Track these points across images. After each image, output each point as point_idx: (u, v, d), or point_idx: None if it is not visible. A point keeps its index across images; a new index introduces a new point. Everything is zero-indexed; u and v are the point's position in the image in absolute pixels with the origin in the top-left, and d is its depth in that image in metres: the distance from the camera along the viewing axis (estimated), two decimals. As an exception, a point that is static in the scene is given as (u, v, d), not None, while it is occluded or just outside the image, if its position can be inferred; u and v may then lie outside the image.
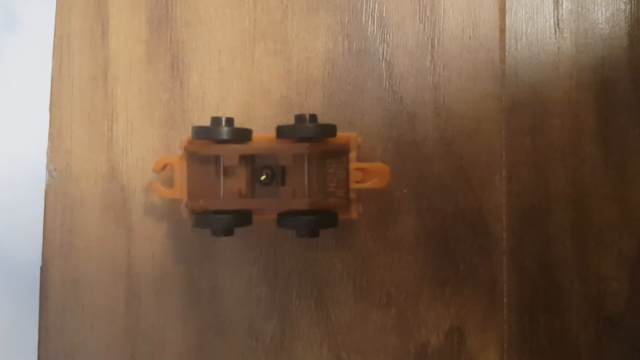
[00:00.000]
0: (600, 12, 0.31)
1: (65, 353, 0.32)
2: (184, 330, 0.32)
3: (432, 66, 0.31)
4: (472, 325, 0.30)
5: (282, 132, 0.28)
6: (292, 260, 0.31)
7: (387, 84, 0.31)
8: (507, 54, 0.31)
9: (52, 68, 0.33)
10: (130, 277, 0.32)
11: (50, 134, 0.33)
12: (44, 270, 0.33)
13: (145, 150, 0.32)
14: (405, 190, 0.31)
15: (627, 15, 0.30)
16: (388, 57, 0.31)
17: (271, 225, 0.29)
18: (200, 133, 0.28)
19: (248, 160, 0.29)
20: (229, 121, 0.28)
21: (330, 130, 0.28)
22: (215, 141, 0.28)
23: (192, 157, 0.29)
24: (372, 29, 0.32)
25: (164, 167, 0.30)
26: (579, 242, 0.30)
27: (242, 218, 0.28)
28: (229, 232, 0.28)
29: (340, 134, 0.29)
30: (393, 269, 0.31)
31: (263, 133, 0.30)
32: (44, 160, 0.33)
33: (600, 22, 0.31)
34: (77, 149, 0.33)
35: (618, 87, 0.30)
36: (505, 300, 0.30)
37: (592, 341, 0.30)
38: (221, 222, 0.28)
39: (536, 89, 0.31)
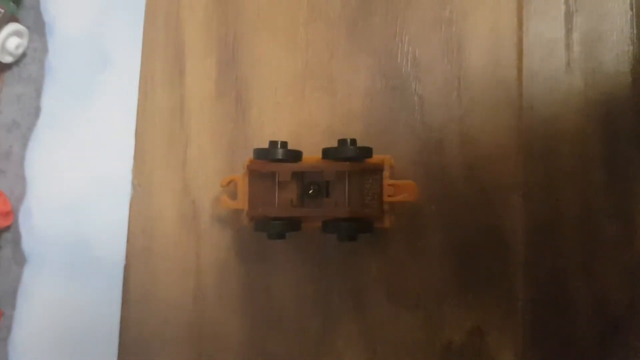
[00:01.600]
0: (606, 53, 0.35)
1: (142, 341, 0.38)
2: (241, 324, 0.37)
3: (458, 100, 0.36)
4: (491, 326, 0.35)
5: (327, 153, 0.34)
6: (335, 264, 0.36)
7: (418, 115, 0.36)
8: (524, 90, 0.36)
9: (138, 101, 0.40)
10: (198, 277, 0.38)
11: (135, 156, 0.40)
12: (126, 269, 0.39)
13: (213, 170, 0.38)
14: (433, 207, 0.36)
15: (630, 56, 0.35)
16: (420, 92, 0.37)
17: (317, 234, 0.35)
18: (261, 154, 0.34)
19: (299, 176, 0.35)
20: (284, 144, 0.34)
21: (367, 151, 0.33)
22: (272, 160, 0.34)
23: (253, 174, 0.35)
24: (406, 69, 0.37)
25: (229, 183, 0.35)
26: (586, 255, 0.34)
27: (293, 224, 0.34)
28: (281, 236, 0.34)
29: (376, 155, 0.34)
30: (422, 275, 0.36)
31: (311, 155, 0.35)
32: (129, 177, 0.39)
33: (607, 62, 0.35)
34: (157, 168, 0.39)
35: (622, 119, 0.34)
36: (520, 304, 0.34)
37: (596, 342, 0.33)
38: (275, 227, 0.33)
39: (550, 121, 0.35)
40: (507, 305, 0.34)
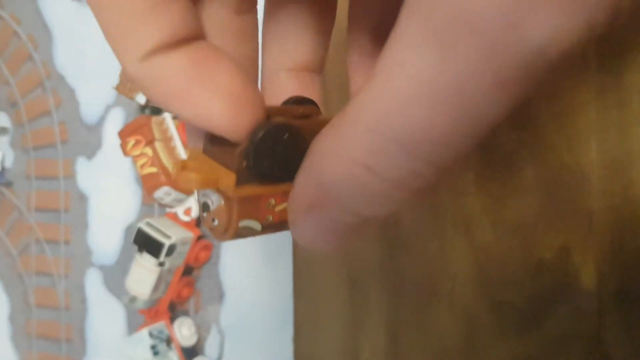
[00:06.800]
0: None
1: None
2: (379, 248, 0.49)
3: None
4: (576, 245, 0.43)
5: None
6: (447, 200, 0.47)
7: None
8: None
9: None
10: None
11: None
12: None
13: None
14: (524, 152, 0.45)
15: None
16: None
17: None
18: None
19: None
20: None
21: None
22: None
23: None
24: None
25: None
26: (657, 185, 0.41)
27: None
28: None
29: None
30: (518, 206, 0.45)
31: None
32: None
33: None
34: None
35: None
36: (600, 228, 0.42)
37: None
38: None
39: None
40: (589, 228, 0.43)
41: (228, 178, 0.20)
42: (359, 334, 0.50)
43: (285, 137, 0.20)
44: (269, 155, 0.20)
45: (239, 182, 0.20)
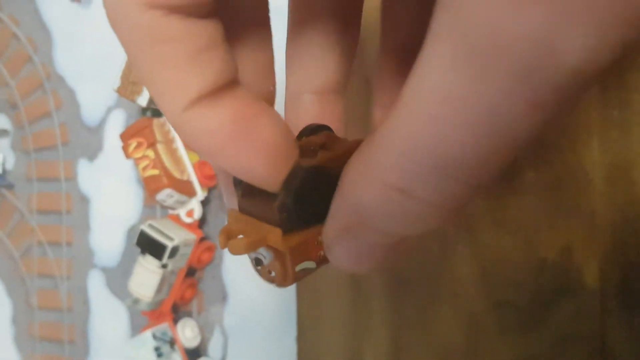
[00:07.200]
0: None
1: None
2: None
3: None
4: (578, 245, 0.43)
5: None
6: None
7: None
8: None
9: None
10: None
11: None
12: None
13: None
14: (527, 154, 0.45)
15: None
16: None
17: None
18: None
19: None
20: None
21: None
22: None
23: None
24: None
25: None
26: (660, 185, 0.41)
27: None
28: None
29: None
30: (520, 205, 0.45)
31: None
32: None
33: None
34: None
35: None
36: (601, 226, 0.43)
37: (667, 255, 0.41)
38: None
39: None
40: (591, 228, 0.43)
41: (274, 234, 0.21)
42: (362, 335, 0.51)
43: (317, 178, 0.21)
44: (306, 200, 0.21)
45: (285, 233, 0.21)
